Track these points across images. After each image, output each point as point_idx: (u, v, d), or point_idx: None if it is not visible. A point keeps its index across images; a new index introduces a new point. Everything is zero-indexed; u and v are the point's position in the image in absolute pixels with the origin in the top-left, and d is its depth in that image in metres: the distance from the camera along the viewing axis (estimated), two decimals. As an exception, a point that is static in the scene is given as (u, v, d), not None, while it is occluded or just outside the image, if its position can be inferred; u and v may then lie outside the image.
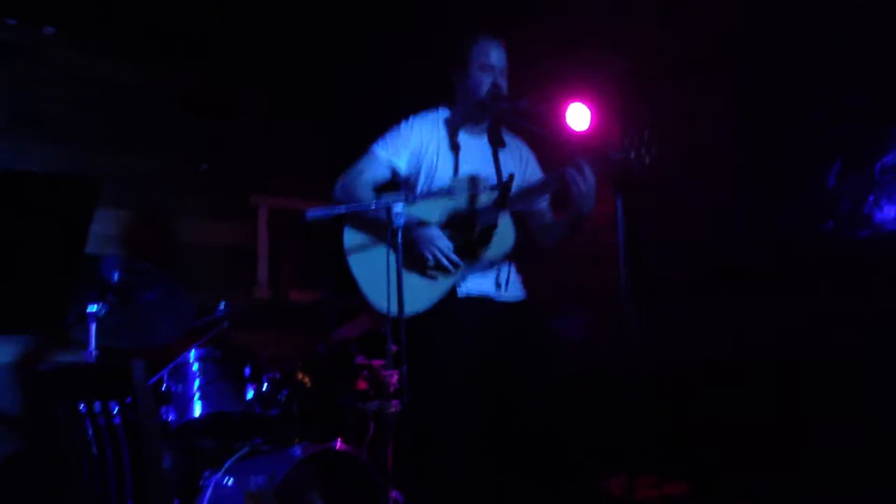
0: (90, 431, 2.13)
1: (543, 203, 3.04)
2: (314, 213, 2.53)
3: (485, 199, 2.83)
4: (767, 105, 4.07)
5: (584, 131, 4.49)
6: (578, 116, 4.54)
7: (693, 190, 4.32)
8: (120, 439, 2.05)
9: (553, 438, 2.86)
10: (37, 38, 4.69)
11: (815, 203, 3.86)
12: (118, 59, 4.96)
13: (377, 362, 3.99)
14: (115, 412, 2.04)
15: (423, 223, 2.78)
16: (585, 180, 2.70)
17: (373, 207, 2.61)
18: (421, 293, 2.78)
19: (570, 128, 4.50)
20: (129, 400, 1.98)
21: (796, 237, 3.92)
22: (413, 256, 2.80)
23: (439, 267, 2.75)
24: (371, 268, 2.83)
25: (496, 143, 2.95)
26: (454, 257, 2.75)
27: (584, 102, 4.51)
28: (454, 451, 2.79)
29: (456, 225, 2.83)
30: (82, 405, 2.11)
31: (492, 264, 2.91)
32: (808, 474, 3.62)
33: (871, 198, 3.66)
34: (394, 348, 2.79)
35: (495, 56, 2.91)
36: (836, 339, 3.63)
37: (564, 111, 4.51)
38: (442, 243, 2.75)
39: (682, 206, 4.37)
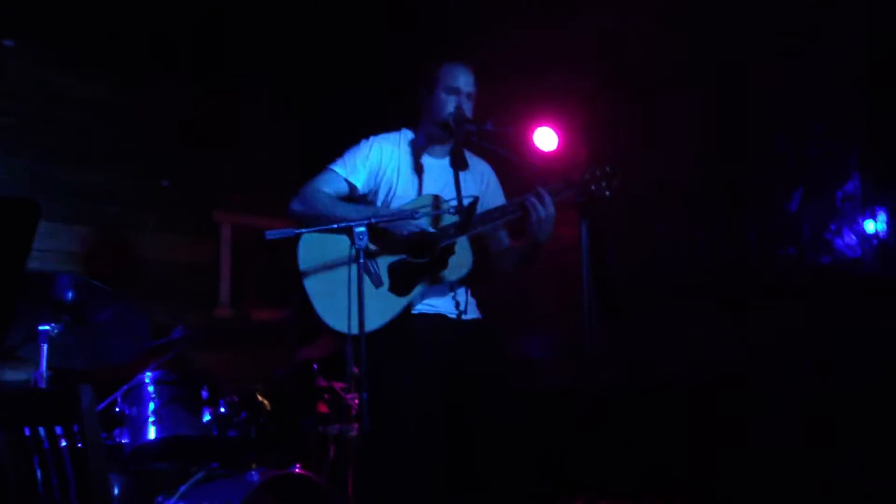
0: (35, 458, 2.04)
1: (501, 228, 3.03)
2: (274, 234, 2.48)
3: (446, 221, 2.81)
4: (732, 128, 4.11)
5: (551, 153, 4.52)
6: (545, 139, 4.57)
7: (657, 211, 4.34)
8: (65, 466, 1.96)
9: (511, 460, 2.83)
10: (-4, 50, 4.60)
11: (776, 228, 3.89)
12: (79, 73, 4.88)
13: (338, 385, 3.94)
14: (60, 436, 1.96)
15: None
16: (545, 208, 2.70)
17: (335, 228, 2.57)
18: (376, 311, 2.74)
19: (537, 150, 4.53)
20: (75, 427, 1.90)
21: (757, 261, 3.95)
22: (377, 258, 2.78)
23: (415, 244, 2.72)
24: (325, 286, 2.78)
25: (458, 166, 2.93)
26: (431, 227, 2.75)
27: (550, 125, 4.55)
28: (410, 472, 2.74)
29: (416, 246, 2.80)
30: (27, 430, 2.03)
31: (448, 288, 2.90)
32: (771, 495, 3.63)
33: (832, 225, 3.70)
34: (355, 370, 2.74)
35: (462, 80, 2.90)
36: (796, 365, 3.66)
37: (531, 133, 4.53)
38: (417, 222, 2.74)
39: (646, 227, 4.39)
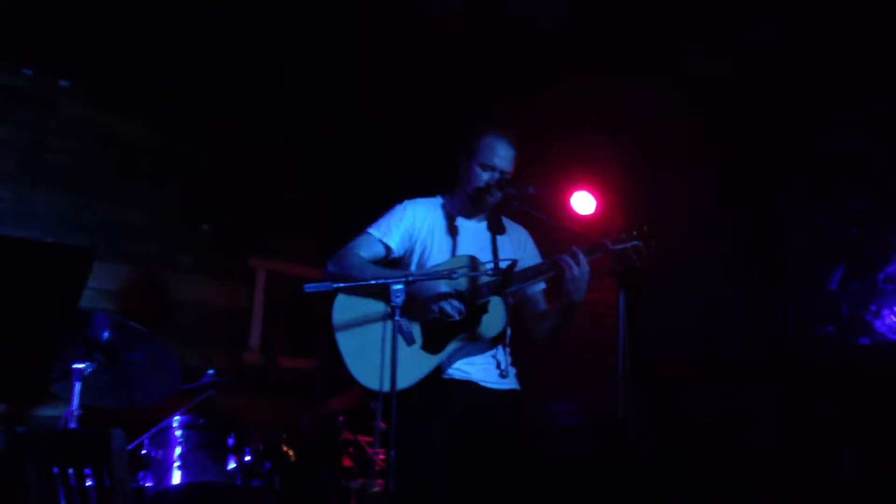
0: (62, 495, 2.05)
1: (538, 290, 3.01)
2: (313, 287, 2.49)
3: (482, 281, 2.80)
4: (770, 200, 4.08)
5: (588, 217, 4.53)
6: (582, 203, 4.59)
7: (693, 282, 4.30)
8: (92, 506, 1.97)
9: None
10: (52, 89, 4.74)
11: (815, 305, 3.83)
12: (127, 115, 5.01)
13: (363, 438, 3.91)
14: (89, 475, 1.96)
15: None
16: (580, 266, 2.69)
17: (372, 283, 2.58)
18: (406, 371, 2.73)
19: (575, 213, 4.54)
20: (104, 469, 1.90)
21: (795, 338, 3.88)
22: (410, 316, 2.77)
23: (443, 318, 2.71)
24: (358, 343, 2.78)
25: (496, 230, 2.93)
26: (461, 306, 2.73)
27: (587, 189, 4.57)
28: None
29: (455, 300, 2.79)
30: (55, 469, 2.04)
31: (481, 349, 2.87)
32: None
33: (872, 306, 3.64)
34: (382, 426, 2.72)
35: (499, 158, 2.91)
36: (833, 446, 3.56)
37: (569, 197, 4.56)
38: (448, 297, 2.73)
39: (682, 297, 4.34)
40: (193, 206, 5.22)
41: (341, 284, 2.65)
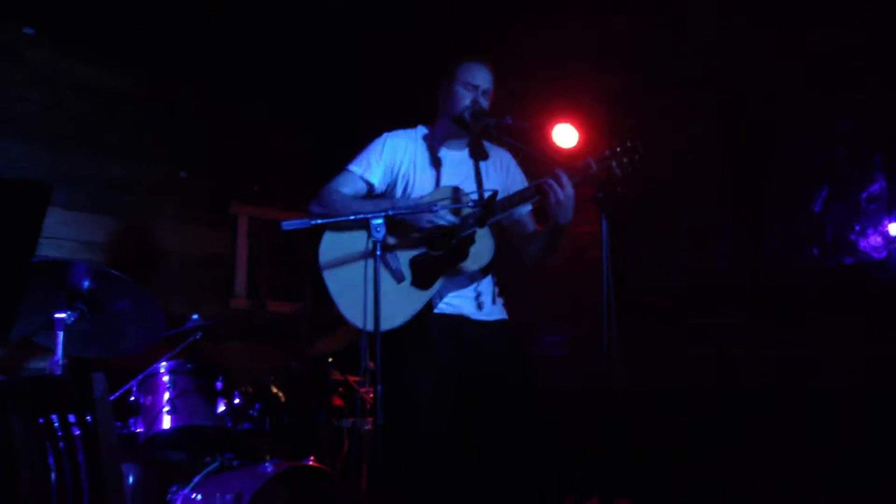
0: (47, 445, 2.04)
1: (525, 213, 2.98)
2: (291, 224, 2.46)
3: (466, 213, 2.78)
4: (754, 127, 4.05)
5: (571, 150, 4.48)
6: (565, 135, 4.53)
7: (676, 212, 4.29)
8: (78, 453, 1.96)
9: (527, 460, 2.79)
10: (16, 37, 4.60)
11: (800, 229, 3.83)
12: (99, 64, 4.87)
13: (353, 378, 3.92)
14: (74, 424, 1.95)
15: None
16: (563, 189, 2.66)
17: (351, 219, 2.55)
18: (398, 308, 2.72)
19: (556, 146, 4.49)
20: (88, 415, 1.89)
21: (781, 262, 3.89)
22: (397, 251, 2.76)
23: (435, 236, 2.69)
24: (346, 282, 2.76)
25: (478, 157, 2.89)
26: (450, 216, 2.71)
27: (570, 122, 4.51)
28: (425, 472, 2.72)
29: (436, 237, 2.77)
30: (40, 419, 2.02)
31: (470, 280, 2.85)
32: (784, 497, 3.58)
33: (857, 226, 3.64)
34: (370, 365, 2.72)
35: (480, 77, 2.88)
36: (816, 369, 3.60)
37: (550, 130, 4.50)
38: (436, 214, 2.70)
39: (665, 227, 4.34)
40: (170, 153, 5.13)
41: (319, 221, 2.61)
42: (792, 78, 3.89)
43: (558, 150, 4.41)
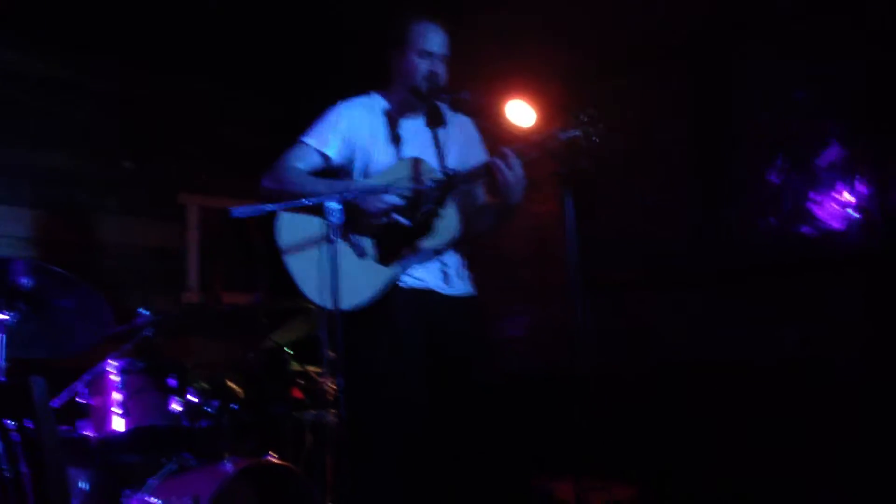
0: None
1: (475, 186, 2.90)
2: (241, 211, 2.35)
3: (427, 185, 2.68)
4: (714, 103, 4.03)
5: (527, 128, 4.40)
6: (521, 113, 4.45)
7: (637, 188, 4.26)
8: (19, 461, 1.83)
9: (495, 442, 2.73)
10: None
11: (758, 200, 3.82)
12: (33, 52, 4.66)
13: (312, 369, 3.81)
14: (12, 430, 1.82)
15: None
16: (511, 169, 2.57)
17: (306, 204, 2.44)
18: (362, 284, 2.62)
19: (512, 124, 4.40)
20: (28, 422, 1.76)
21: (739, 234, 3.88)
22: (359, 228, 2.66)
23: (389, 221, 2.60)
24: (306, 263, 2.65)
25: (436, 125, 2.79)
26: (400, 201, 2.62)
27: (526, 99, 4.42)
28: (390, 455, 2.65)
29: (397, 212, 2.68)
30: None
31: (436, 255, 2.76)
32: (755, 477, 3.58)
33: (814, 195, 3.64)
34: (331, 354, 2.63)
35: (435, 41, 2.75)
36: (779, 339, 3.60)
37: (506, 107, 4.41)
38: (389, 196, 2.61)
39: (626, 204, 4.30)
40: (113, 143, 4.94)
41: (272, 207, 2.50)
42: (750, 45, 3.86)
43: (514, 129, 4.33)
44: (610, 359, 3.93)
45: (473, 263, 2.97)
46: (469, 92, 2.71)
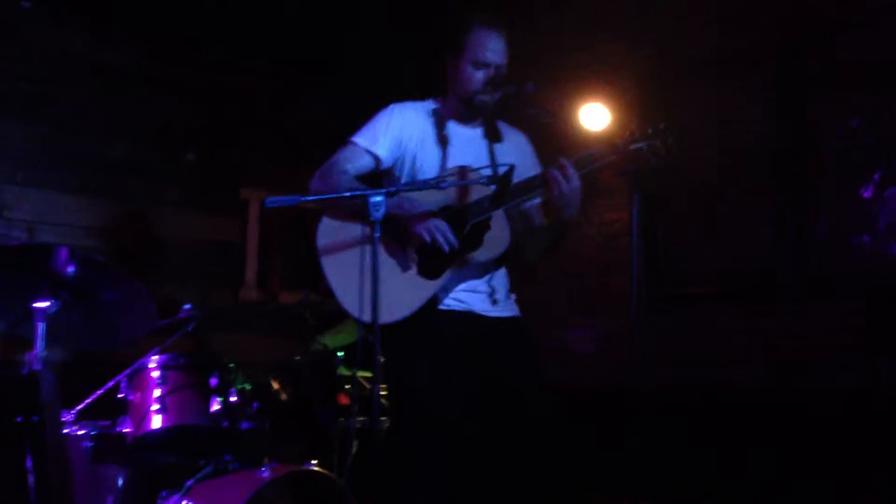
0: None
1: (533, 206, 2.68)
2: (275, 201, 2.21)
3: (477, 194, 2.49)
4: (800, 108, 3.75)
5: (600, 132, 4.15)
6: (593, 116, 4.20)
7: (716, 197, 4.01)
8: (26, 458, 1.72)
9: (548, 462, 2.52)
10: (14, 13, 4.38)
11: (850, 216, 3.53)
12: (102, 39, 4.64)
13: (362, 374, 3.66)
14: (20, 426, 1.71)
15: (412, 202, 2.48)
16: (568, 181, 2.36)
17: (347, 196, 2.28)
18: (400, 299, 2.45)
19: (583, 125, 4.17)
20: (35, 418, 1.64)
21: (828, 250, 3.60)
22: (400, 244, 2.49)
23: (434, 249, 2.41)
24: (344, 268, 2.51)
25: (493, 138, 2.62)
26: (451, 237, 2.42)
27: (600, 101, 4.18)
28: (430, 475, 2.47)
29: (446, 234, 2.49)
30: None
31: (483, 270, 2.57)
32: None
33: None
34: (382, 360, 2.47)
35: (493, 51, 2.56)
36: (876, 369, 3.29)
37: (577, 107, 4.18)
38: (438, 221, 2.43)
39: (704, 214, 4.06)
40: (177, 134, 4.90)
41: (309, 198, 2.35)
42: (845, 47, 3.57)
43: (584, 130, 4.10)
44: (674, 379, 3.71)
45: (538, 272, 2.77)
46: (533, 84, 2.50)
